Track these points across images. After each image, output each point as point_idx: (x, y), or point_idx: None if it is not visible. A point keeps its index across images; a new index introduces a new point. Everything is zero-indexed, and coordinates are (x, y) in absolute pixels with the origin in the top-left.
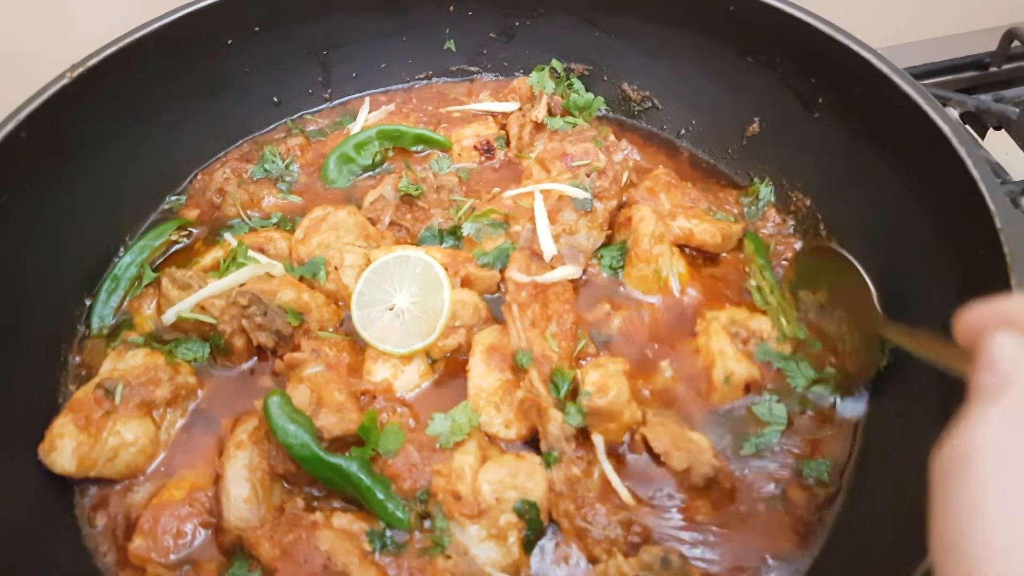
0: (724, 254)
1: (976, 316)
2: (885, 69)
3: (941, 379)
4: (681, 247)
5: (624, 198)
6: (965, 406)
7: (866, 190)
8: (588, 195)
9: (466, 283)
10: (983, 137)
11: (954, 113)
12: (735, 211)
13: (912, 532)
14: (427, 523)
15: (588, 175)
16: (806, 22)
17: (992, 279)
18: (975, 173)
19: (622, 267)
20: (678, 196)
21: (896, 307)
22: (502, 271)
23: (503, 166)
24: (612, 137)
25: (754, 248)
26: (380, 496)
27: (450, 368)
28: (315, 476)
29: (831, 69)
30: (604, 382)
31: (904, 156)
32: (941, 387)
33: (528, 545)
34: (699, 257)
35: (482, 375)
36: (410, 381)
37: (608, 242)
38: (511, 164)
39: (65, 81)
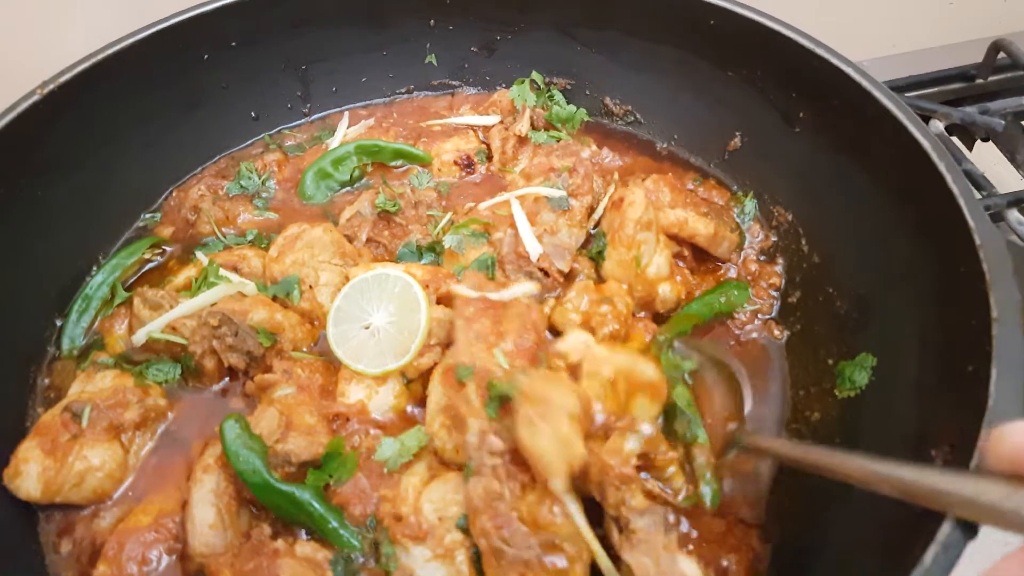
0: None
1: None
2: (864, 83)
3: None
4: (673, 237)
5: (613, 188)
6: None
7: (847, 204)
8: (563, 193)
9: (445, 300)
10: (971, 149)
11: (940, 125)
12: (732, 225)
13: None
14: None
15: (560, 175)
16: (785, 35)
17: (971, 296)
18: (955, 188)
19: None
20: (680, 196)
21: (874, 321)
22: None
23: (484, 180)
24: (594, 146)
25: (728, 297)
26: (334, 524)
27: (427, 388)
28: (267, 504)
29: (811, 83)
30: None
31: (885, 170)
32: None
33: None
34: (688, 258)
35: (440, 398)
36: (385, 402)
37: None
38: (492, 178)
39: (36, 98)
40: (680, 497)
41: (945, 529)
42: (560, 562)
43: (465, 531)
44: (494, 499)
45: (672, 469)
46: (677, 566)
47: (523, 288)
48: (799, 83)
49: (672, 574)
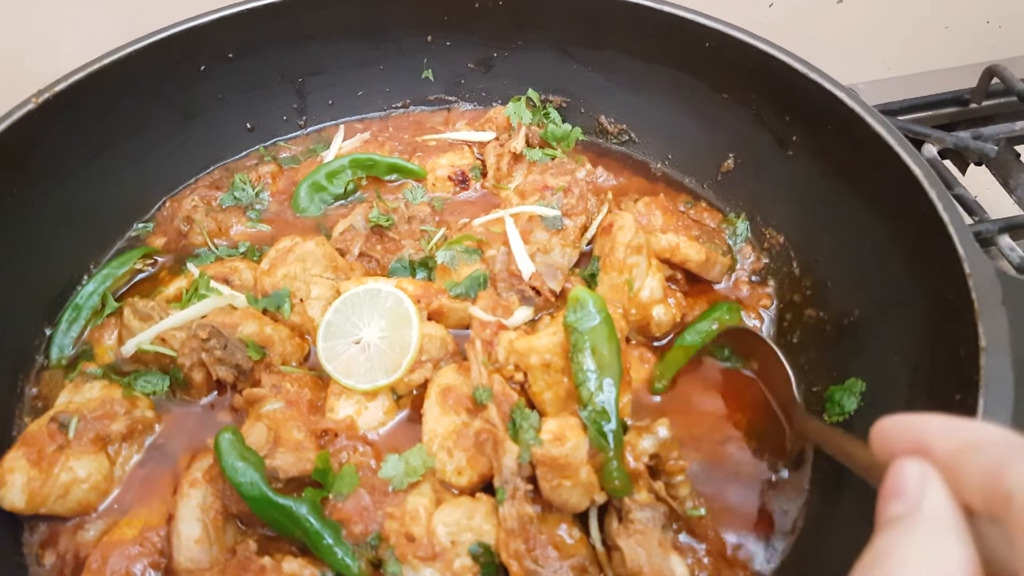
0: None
1: (891, 432)
2: (857, 108)
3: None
4: (666, 261)
5: (606, 208)
6: (875, 533)
7: (839, 229)
8: (557, 213)
9: (437, 315)
10: (964, 173)
11: (933, 150)
12: (723, 248)
13: None
14: (379, 569)
15: (554, 194)
16: (779, 59)
17: (961, 325)
18: (945, 216)
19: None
20: (672, 220)
21: (865, 347)
22: (475, 300)
23: (478, 197)
24: (589, 165)
25: (720, 322)
26: (328, 541)
27: (416, 405)
28: (263, 518)
29: (805, 107)
30: (562, 431)
31: (876, 196)
32: None
33: None
34: (681, 281)
35: (436, 419)
36: (374, 418)
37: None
38: (486, 195)
39: (30, 107)
40: (687, 506)
41: None
42: None
43: (475, 558)
44: (527, 523)
45: (680, 478)
46: (668, 563)
47: (524, 314)
48: (793, 107)
49: (661, 568)
